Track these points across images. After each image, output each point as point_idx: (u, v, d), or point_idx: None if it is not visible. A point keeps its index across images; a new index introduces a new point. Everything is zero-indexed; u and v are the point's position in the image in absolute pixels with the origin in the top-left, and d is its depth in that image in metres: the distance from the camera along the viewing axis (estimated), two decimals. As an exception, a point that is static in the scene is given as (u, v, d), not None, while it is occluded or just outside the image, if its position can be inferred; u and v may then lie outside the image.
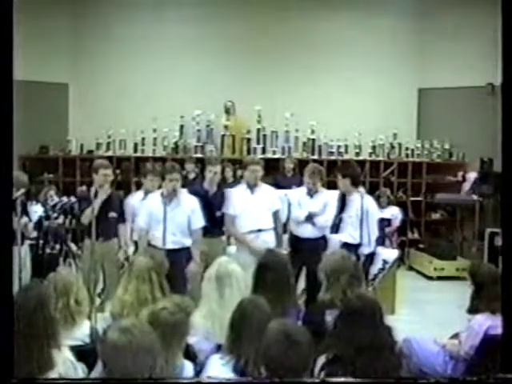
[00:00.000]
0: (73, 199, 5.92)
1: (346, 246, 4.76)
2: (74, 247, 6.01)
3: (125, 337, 2.11)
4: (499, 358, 2.17)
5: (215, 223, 5.27)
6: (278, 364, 2.15)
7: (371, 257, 5.13)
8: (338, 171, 5.25)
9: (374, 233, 5.09)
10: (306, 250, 5.14)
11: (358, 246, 4.85)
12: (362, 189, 5.34)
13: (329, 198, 5.31)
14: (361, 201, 4.87)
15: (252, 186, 5.33)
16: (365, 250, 4.96)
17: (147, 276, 3.38)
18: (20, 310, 2.49)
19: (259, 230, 5.16)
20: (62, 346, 2.67)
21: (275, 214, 5.24)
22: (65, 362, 2.63)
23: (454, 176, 9.04)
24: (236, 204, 5.19)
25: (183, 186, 5.95)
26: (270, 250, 4.52)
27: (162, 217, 4.66)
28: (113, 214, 5.10)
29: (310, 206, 5.31)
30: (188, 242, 4.87)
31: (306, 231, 5.30)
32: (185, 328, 2.70)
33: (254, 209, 5.19)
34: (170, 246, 4.67)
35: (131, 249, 5.26)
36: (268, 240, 5.06)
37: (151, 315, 2.66)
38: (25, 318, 2.51)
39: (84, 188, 5.25)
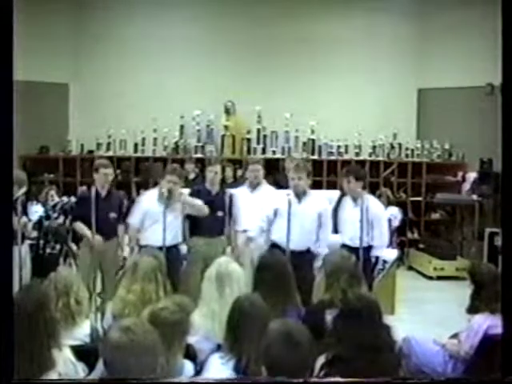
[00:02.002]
0: (73, 199, 5.94)
1: (348, 248, 4.67)
2: (74, 247, 6.00)
3: (126, 336, 2.11)
4: (499, 358, 2.18)
5: (217, 223, 5.28)
6: (278, 364, 2.15)
7: (377, 258, 5.13)
8: (351, 173, 4.99)
9: (386, 233, 5.07)
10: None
11: (358, 249, 4.70)
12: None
13: (321, 206, 4.90)
14: (367, 203, 4.81)
15: (253, 186, 5.33)
16: (376, 252, 4.95)
17: (153, 276, 3.40)
18: (20, 309, 2.49)
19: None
20: (62, 345, 2.67)
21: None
22: (65, 362, 2.63)
23: (454, 176, 9.05)
24: (236, 203, 5.22)
25: (184, 187, 5.97)
26: (269, 250, 4.53)
27: (161, 216, 4.76)
28: (113, 215, 5.11)
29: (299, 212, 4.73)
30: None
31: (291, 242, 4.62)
32: (185, 327, 2.71)
33: (251, 209, 5.17)
34: (168, 243, 4.78)
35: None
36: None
37: (151, 315, 2.66)
38: (25, 318, 2.51)
39: (84, 188, 5.27)
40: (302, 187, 4.81)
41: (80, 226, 5.14)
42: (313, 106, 8.96)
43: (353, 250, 4.58)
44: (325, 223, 4.89)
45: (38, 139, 8.74)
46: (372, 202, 4.99)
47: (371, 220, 4.80)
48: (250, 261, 4.80)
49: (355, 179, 4.95)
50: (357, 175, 5.00)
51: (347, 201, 5.05)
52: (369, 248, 4.85)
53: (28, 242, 5.38)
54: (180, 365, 2.64)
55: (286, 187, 5.73)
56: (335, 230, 5.20)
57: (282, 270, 3.47)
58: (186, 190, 5.54)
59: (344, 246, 4.86)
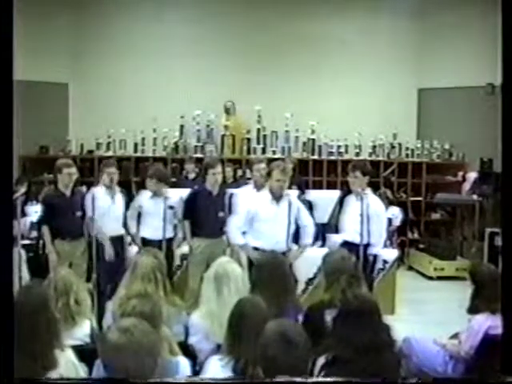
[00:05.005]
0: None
1: (348, 245, 4.70)
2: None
3: (125, 337, 2.10)
4: (499, 358, 2.17)
5: (218, 224, 5.27)
6: (274, 364, 2.14)
7: (375, 257, 5.12)
8: (357, 168, 5.00)
9: (383, 232, 5.07)
10: None
11: (359, 245, 4.74)
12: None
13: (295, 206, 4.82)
14: (368, 199, 4.84)
15: (259, 186, 5.32)
16: (374, 250, 4.95)
17: (152, 276, 3.40)
18: (21, 309, 2.48)
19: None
20: (64, 346, 2.67)
21: None
22: (67, 362, 2.62)
23: (454, 176, 9.04)
24: (240, 203, 5.21)
25: (184, 187, 6.00)
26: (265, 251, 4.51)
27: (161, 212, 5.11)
28: (79, 214, 5.13)
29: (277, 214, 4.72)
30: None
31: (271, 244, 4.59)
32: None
33: None
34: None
35: None
36: None
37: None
38: (26, 318, 2.50)
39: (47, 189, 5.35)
40: (283, 189, 4.78)
41: (46, 233, 5.18)
42: (313, 105, 8.95)
43: (353, 246, 4.60)
44: (302, 222, 4.88)
45: (38, 139, 8.73)
46: (373, 199, 5.02)
47: (371, 216, 4.80)
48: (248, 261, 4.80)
49: (362, 174, 4.98)
50: (363, 170, 5.02)
51: (351, 198, 5.04)
52: (367, 246, 4.85)
53: (25, 241, 5.40)
54: (174, 362, 2.63)
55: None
56: (336, 230, 5.20)
57: (279, 270, 3.46)
58: (187, 191, 5.56)
59: (345, 243, 4.85)
